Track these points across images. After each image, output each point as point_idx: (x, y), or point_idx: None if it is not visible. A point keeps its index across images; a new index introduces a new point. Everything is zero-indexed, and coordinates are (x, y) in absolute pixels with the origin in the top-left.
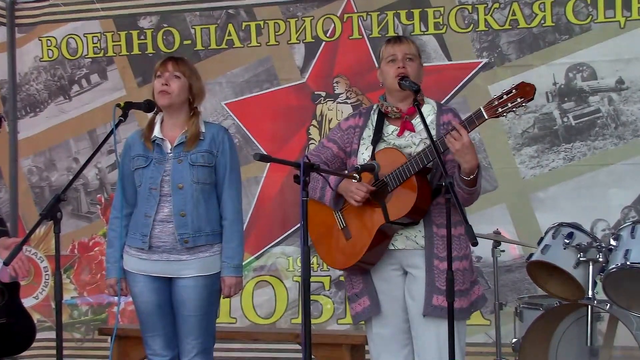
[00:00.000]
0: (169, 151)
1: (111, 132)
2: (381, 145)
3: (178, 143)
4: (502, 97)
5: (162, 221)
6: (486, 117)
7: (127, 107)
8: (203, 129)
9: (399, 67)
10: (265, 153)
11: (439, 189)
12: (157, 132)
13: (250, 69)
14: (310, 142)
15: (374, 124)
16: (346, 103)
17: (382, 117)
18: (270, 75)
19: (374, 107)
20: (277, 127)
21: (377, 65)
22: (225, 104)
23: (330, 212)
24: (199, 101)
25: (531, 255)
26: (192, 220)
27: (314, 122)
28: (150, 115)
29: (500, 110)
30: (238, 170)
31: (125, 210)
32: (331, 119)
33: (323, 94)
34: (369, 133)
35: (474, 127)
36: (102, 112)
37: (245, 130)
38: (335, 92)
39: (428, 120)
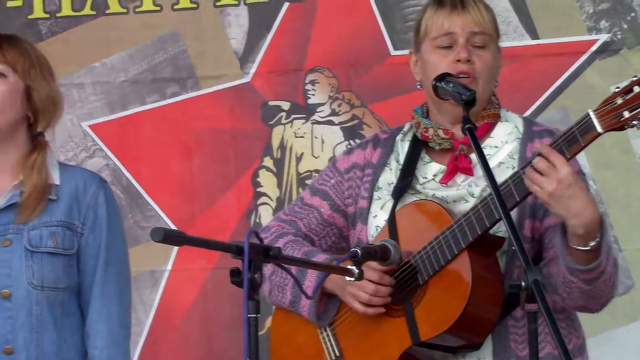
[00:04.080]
0: None
1: None
2: (410, 199)
3: (5, 206)
4: (630, 92)
5: None
6: (600, 131)
7: None
8: (56, 179)
9: (458, 60)
10: (172, 227)
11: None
12: None
13: (140, 56)
14: (259, 201)
15: (402, 161)
16: (331, 123)
17: (418, 147)
18: (179, 68)
19: (405, 128)
20: (195, 170)
21: (391, 48)
22: (89, 125)
23: (313, 329)
24: (47, 122)
25: None
26: None
27: (267, 161)
28: None
29: (626, 115)
30: (123, 257)
31: None
32: (302, 153)
33: (285, 104)
34: (389, 178)
35: (578, 150)
36: None
37: (129, 176)
38: (310, 101)
39: (505, 153)
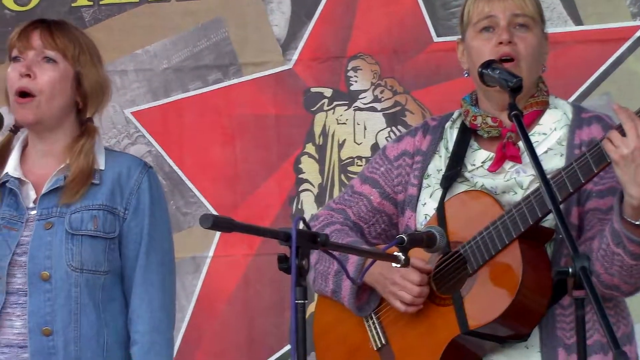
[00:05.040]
0: (32, 205)
1: None
2: (459, 188)
3: (49, 189)
4: None
5: (10, 345)
6: None
7: None
8: (101, 164)
9: (500, 43)
10: (214, 213)
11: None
12: (12, 166)
13: (183, 43)
14: (301, 187)
15: (451, 148)
16: (373, 110)
17: (467, 135)
18: (221, 55)
19: (454, 115)
20: (237, 156)
21: (434, 35)
22: (131, 112)
23: (358, 318)
24: (96, 107)
25: None
26: (66, 345)
27: (309, 147)
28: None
29: None
30: (166, 244)
31: None
32: (344, 140)
33: (327, 91)
34: (439, 165)
35: None
36: None
37: (171, 162)
38: (352, 87)
39: (554, 139)
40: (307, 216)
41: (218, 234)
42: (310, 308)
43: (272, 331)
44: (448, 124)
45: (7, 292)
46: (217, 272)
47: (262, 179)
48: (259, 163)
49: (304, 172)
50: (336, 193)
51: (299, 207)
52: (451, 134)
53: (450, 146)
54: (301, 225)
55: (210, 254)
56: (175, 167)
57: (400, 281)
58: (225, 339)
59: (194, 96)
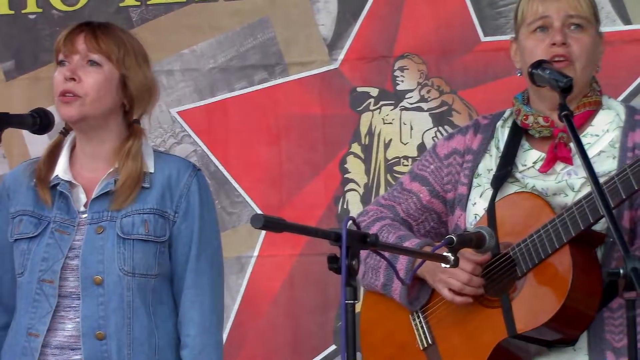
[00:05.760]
0: (83, 209)
1: None
2: (510, 188)
3: (100, 193)
4: None
5: (62, 347)
6: None
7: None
8: (151, 167)
9: (553, 44)
10: (259, 213)
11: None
12: (62, 169)
13: (229, 43)
14: (347, 187)
15: (501, 148)
16: (420, 110)
17: (518, 135)
18: (267, 55)
19: (505, 114)
20: (282, 156)
21: (481, 34)
22: (177, 111)
23: (404, 315)
24: (142, 109)
25: None
26: (119, 349)
27: (355, 147)
28: (46, 136)
29: None
30: (216, 246)
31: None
32: (390, 139)
33: (373, 91)
34: (489, 165)
35: None
36: None
37: (216, 162)
38: (399, 87)
39: (606, 141)
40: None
41: (263, 234)
42: (357, 307)
43: (316, 331)
44: (499, 123)
45: (60, 295)
46: (261, 272)
47: (307, 178)
48: (304, 163)
49: (350, 172)
50: (382, 192)
51: (345, 207)
52: (502, 133)
53: (501, 145)
54: (351, 226)
55: (255, 253)
56: (221, 167)
57: (449, 269)
58: (270, 340)
59: (239, 96)
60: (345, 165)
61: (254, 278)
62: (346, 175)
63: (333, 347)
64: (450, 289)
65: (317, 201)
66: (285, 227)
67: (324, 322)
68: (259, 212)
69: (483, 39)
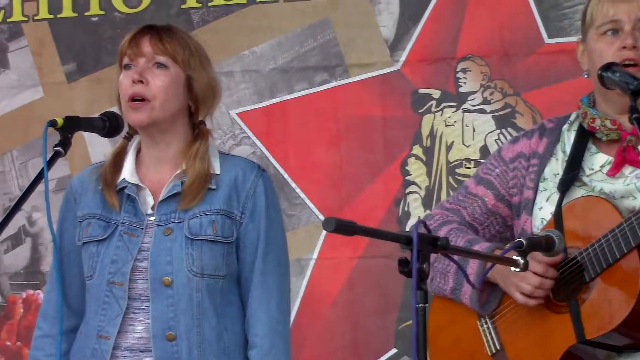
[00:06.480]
0: (150, 212)
1: (39, 174)
2: (577, 192)
3: (167, 196)
4: None
5: (132, 349)
6: None
7: (69, 128)
8: (217, 168)
9: (624, 47)
10: (319, 215)
11: None
12: (128, 172)
13: (289, 44)
14: (408, 189)
15: (568, 151)
16: (482, 112)
17: (585, 138)
18: (328, 56)
19: (571, 117)
20: (342, 158)
21: (545, 36)
22: (237, 113)
23: (472, 320)
24: (207, 110)
25: None
26: (190, 350)
27: (417, 149)
28: (113, 140)
29: None
30: (282, 246)
31: (65, 323)
32: (452, 142)
33: (435, 92)
34: (555, 169)
35: None
36: None
37: (275, 164)
38: (461, 89)
39: None
40: (414, 219)
41: (323, 236)
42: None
43: (376, 334)
44: (565, 127)
45: (129, 297)
46: (321, 275)
47: (368, 180)
48: (364, 165)
49: (411, 174)
50: (444, 195)
51: (406, 209)
52: (568, 137)
53: (568, 149)
54: (421, 229)
55: (315, 256)
56: (280, 169)
57: (521, 272)
58: (330, 342)
59: (299, 97)
60: (407, 168)
61: (313, 280)
62: (407, 178)
63: (394, 350)
64: (522, 293)
65: (377, 203)
66: (357, 230)
67: (384, 325)
68: (319, 214)
69: (547, 40)
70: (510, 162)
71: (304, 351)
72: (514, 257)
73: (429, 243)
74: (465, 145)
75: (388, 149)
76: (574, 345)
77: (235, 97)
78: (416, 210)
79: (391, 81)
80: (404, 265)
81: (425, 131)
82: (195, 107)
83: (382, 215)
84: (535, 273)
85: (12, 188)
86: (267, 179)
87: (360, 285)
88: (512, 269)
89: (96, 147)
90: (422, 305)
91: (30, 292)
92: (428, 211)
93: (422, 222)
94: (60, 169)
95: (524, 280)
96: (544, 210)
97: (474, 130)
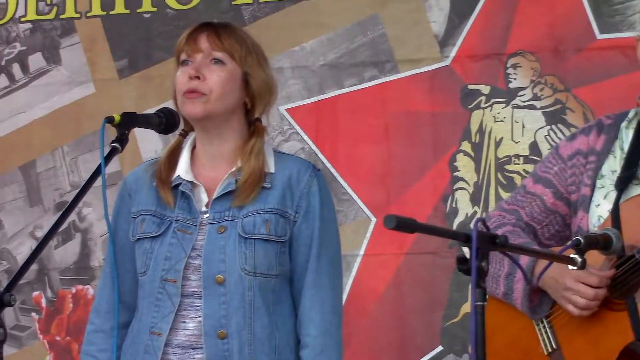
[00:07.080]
0: (204, 209)
1: (96, 170)
2: (635, 190)
3: (222, 193)
4: None
5: (183, 347)
6: None
7: (126, 124)
8: (272, 167)
9: None
10: (366, 211)
11: None
12: (183, 169)
13: (339, 40)
14: (456, 185)
15: (626, 149)
16: (532, 108)
17: None
18: (377, 52)
19: (630, 114)
20: (391, 154)
21: (597, 32)
22: (286, 109)
23: (528, 320)
24: (263, 107)
25: None
26: (241, 348)
27: (465, 145)
28: (168, 137)
29: None
30: (336, 246)
31: (119, 318)
32: (501, 138)
33: (485, 88)
34: (613, 166)
35: None
36: (50, 129)
37: (324, 160)
38: (511, 85)
39: None
40: (461, 215)
41: (369, 232)
42: (465, 308)
43: (423, 332)
44: (624, 124)
45: (182, 294)
46: (367, 271)
47: (415, 176)
48: (412, 161)
49: (459, 170)
50: (492, 192)
51: (454, 205)
52: (627, 134)
53: (626, 146)
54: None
55: (361, 252)
56: (328, 164)
57: (574, 285)
58: (375, 339)
59: (349, 93)
60: (455, 164)
61: (359, 277)
62: (455, 174)
63: (440, 348)
64: (576, 305)
65: (425, 199)
66: (417, 227)
67: (431, 322)
68: (366, 210)
69: (599, 36)
70: (569, 160)
71: (350, 348)
72: (572, 256)
73: (487, 241)
74: (514, 141)
75: (436, 144)
76: (632, 343)
77: (285, 93)
78: (464, 207)
79: (440, 77)
80: (462, 263)
81: (474, 127)
82: (251, 104)
83: (429, 211)
84: (589, 285)
85: (63, 184)
86: (321, 178)
87: (406, 282)
88: (570, 267)
89: (147, 144)
90: (481, 303)
91: (80, 287)
92: (476, 207)
93: (481, 220)
94: (111, 164)
95: (579, 294)
96: (601, 207)
97: (523, 127)
